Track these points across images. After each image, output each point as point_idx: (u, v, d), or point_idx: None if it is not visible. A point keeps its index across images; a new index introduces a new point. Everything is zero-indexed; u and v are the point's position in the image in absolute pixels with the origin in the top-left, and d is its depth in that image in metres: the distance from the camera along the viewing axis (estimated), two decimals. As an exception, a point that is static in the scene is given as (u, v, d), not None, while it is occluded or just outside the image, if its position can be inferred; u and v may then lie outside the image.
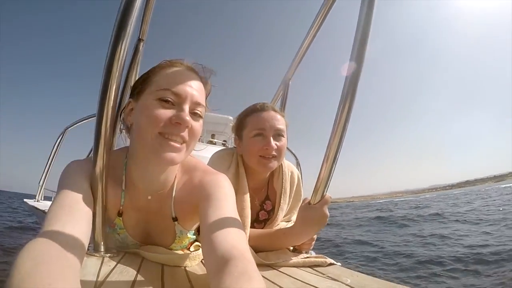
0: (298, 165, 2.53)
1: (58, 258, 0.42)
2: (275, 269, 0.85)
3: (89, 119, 2.24)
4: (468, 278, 3.94)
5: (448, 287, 3.71)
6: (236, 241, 0.54)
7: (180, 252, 0.83)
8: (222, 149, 1.12)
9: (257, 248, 0.91)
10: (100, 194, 0.66)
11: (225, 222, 0.59)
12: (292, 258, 0.89)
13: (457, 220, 9.99)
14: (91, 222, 0.60)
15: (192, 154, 0.78)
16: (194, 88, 0.69)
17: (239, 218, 0.63)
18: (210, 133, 9.60)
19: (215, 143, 8.45)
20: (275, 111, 1.02)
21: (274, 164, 1.00)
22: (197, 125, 0.70)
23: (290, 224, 1.05)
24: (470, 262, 4.63)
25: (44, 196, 3.25)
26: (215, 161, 1.05)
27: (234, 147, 1.10)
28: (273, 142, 0.97)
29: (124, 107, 0.75)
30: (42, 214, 2.48)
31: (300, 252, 0.96)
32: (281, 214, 1.06)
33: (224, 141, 9.69)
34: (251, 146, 0.99)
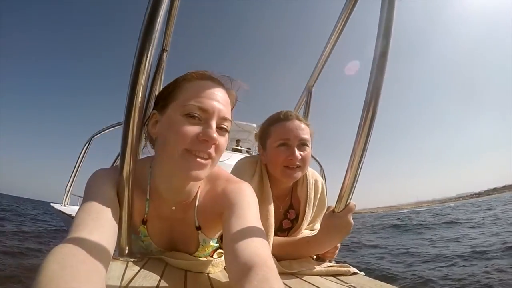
0: (322, 173, 2.48)
1: (84, 262, 0.42)
2: (298, 277, 0.83)
3: (114, 128, 2.25)
4: (464, 269, 4.58)
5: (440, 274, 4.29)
6: (259, 248, 0.53)
7: (203, 259, 0.82)
8: (246, 157, 1.11)
9: (280, 256, 0.89)
10: (126, 200, 0.66)
11: (248, 230, 0.58)
12: (316, 266, 0.86)
13: (472, 227, 10.26)
14: (117, 228, 0.60)
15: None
16: (221, 103, 0.67)
17: (261, 227, 0.62)
18: (235, 139, 9.56)
19: (240, 151, 8.49)
20: (299, 120, 1.00)
21: (298, 174, 0.97)
22: (223, 140, 0.68)
23: (313, 233, 1.02)
24: (469, 258, 5.24)
25: (70, 201, 3.34)
26: (239, 169, 1.03)
27: (258, 154, 1.08)
28: (297, 152, 0.94)
29: (148, 118, 0.74)
30: (67, 218, 2.54)
31: (324, 261, 0.94)
32: (305, 222, 1.04)
33: (248, 148, 9.69)
34: (275, 156, 0.96)
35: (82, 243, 0.46)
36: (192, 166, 0.64)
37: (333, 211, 0.81)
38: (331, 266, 0.88)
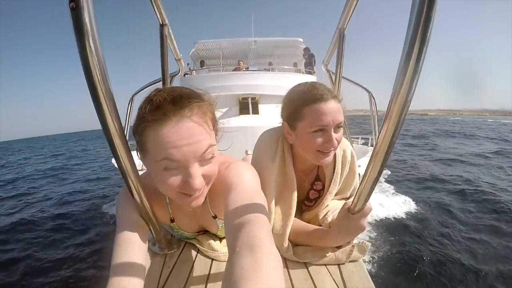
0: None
1: None
2: (307, 268, 0.83)
3: (154, 84, 2.12)
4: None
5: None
6: (254, 231, 0.47)
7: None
8: (266, 132, 1.00)
9: (295, 242, 0.90)
10: (150, 215, 0.72)
11: (244, 210, 0.53)
12: (327, 254, 0.84)
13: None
14: (146, 247, 0.68)
15: None
16: (193, 141, 0.56)
17: (261, 200, 0.57)
18: (266, 62, 8.36)
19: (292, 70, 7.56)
20: (333, 98, 0.84)
21: (331, 157, 0.89)
22: (210, 167, 0.62)
23: (342, 203, 0.93)
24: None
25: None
26: (259, 152, 0.95)
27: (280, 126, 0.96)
28: (334, 137, 0.84)
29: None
30: None
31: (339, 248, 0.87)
32: (329, 197, 0.97)
33: (295, 63, 8.47)
34: (309, 141, 0.85)
35: (122, 280, 0.56)
36: (188, 202, 0.63)
37: (349, 209, 0.74)
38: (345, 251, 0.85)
